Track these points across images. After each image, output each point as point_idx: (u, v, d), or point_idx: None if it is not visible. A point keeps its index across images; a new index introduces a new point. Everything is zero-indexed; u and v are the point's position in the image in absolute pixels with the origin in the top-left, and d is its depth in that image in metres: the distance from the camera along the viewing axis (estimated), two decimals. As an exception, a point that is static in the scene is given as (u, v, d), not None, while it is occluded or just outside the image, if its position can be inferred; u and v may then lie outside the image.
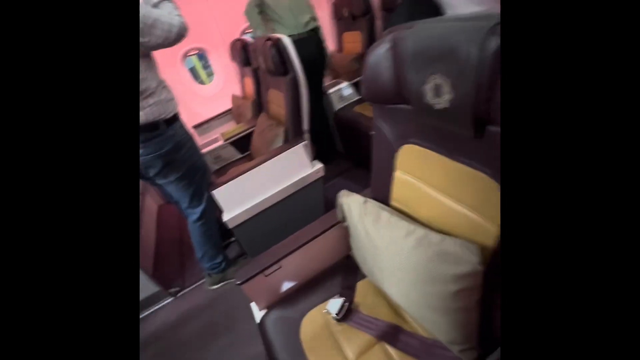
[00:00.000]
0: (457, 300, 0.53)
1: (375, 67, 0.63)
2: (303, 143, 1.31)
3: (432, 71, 0.50)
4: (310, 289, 0.86)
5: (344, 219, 0.80)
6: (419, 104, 0.55)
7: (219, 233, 1.43)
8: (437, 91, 0.50)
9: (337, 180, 1.99)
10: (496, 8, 1.03)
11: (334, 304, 0.76)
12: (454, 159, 0.56)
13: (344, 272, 0.86)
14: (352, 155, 2.08)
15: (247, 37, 1.87)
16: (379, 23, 2.03)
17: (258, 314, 0.84)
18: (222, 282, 1.50)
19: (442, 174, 0.60)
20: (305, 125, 1.41)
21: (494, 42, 0.40)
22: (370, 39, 2.08)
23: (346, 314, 0.76)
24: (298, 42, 1.38)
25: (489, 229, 0.52)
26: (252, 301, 0.85)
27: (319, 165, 1.39)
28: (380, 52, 0.61)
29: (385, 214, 0.67)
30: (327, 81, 2.01)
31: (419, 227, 0.60)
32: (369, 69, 0.65)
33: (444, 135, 0.56)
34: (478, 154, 0.51)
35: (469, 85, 0.44)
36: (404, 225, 0.62)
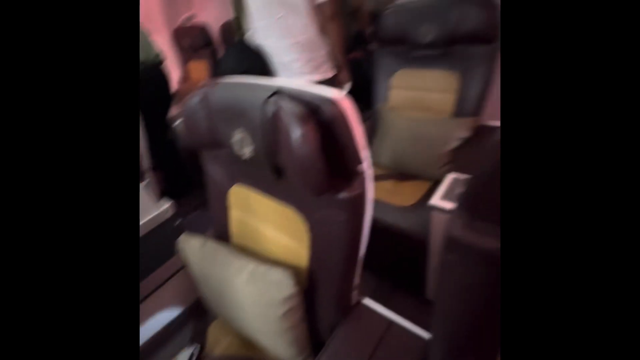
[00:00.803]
0: (286, 321, 0.61)
1: (192, 117, 0.66)
2: (143, 183, 1.20)
3: (236, 125, 0.57)
4: (159, 344, 0.79)
5: (187, 264, 0.79)
6: (232, 152, 0.62)
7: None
8: (242, 143, 0.58)
9: (197, 213, 1.89)
10: (302, 59, 1.23)
11: (184, 356, 0.73)
12: (270, 198, 0.65)
13: (195, 317, 0.84)
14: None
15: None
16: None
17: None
18: None
19: (266, 211, 0.68)
20: (146, 163, 1.30)
21: (270, 109, 0.49)
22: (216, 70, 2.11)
23: (198, 362, 0.74)
24: (142, 73, 1.27)
25: (302, 253, 0.63)
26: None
27: (166, 204, 1.30)
28: (195, 104, 0.65)
29: (221, 254, 0.70)
30: (173, 112, 1.91)
31: (250, 262, 0.66)
32: (186, 119, 0.67)
33: (259, 177, 0.64)
34: (284, 193, 0.61)
35: (262, 141, 0.53)
36: (238, 262, 0.67)
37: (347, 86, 1.34)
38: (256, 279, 0.62)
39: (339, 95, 0.47)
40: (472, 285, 0.41)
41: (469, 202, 0.41)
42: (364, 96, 1.42)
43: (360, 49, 1.57)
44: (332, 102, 0.46)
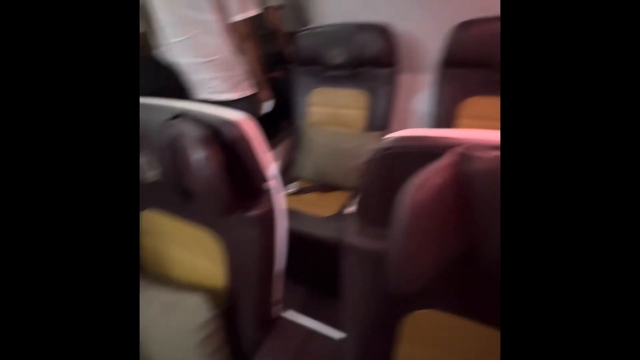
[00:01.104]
0: (206, 347, 0.59)
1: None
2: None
3: (142, 148, 0.55)
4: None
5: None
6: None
7: None
8: (147, 166, 0.55)
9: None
10: (219, 77, 1.22)
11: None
12: (183, 220, 0.63)
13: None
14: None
15: None
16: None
17: None
18: None
19: (179, 234, 0.66)
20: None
21: (172, 132, 0.49)
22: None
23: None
24: None
25: (219, 274, 0.62)
26: None
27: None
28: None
29: (130, 286, 0.65)
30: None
31: (162, 292, 0.62)
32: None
33: (169, 200, 0.62)
34: (196, 215, 0.60)
35: (166, 163, 0.52)
36: (149, 294, 0.62)
37: (269, 104, 1.37)
38: (170, 309, 0.59)
39: (240, 117, 0.49)
40: (369, 286, 0.46)
41: (362, 209, 0.46)
42: (287, 113, 1.47)
43: (281, 68, 1.63)
44: (233, 124, 0.48)
